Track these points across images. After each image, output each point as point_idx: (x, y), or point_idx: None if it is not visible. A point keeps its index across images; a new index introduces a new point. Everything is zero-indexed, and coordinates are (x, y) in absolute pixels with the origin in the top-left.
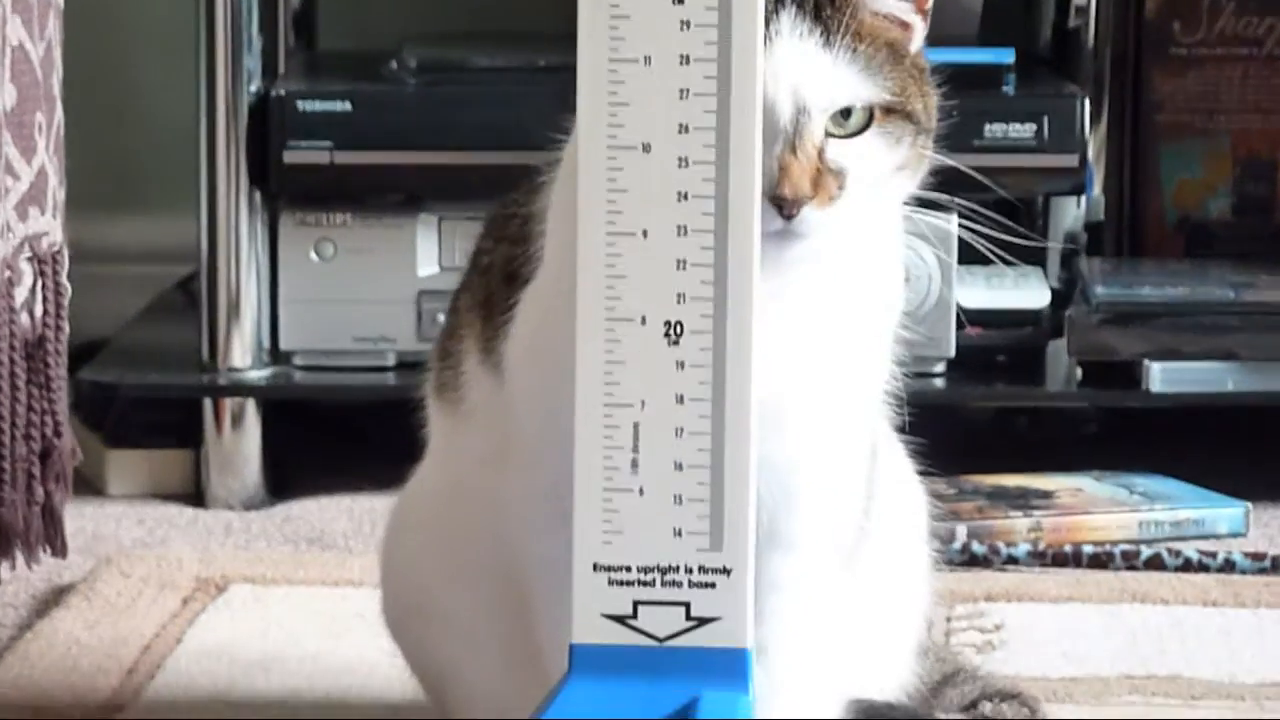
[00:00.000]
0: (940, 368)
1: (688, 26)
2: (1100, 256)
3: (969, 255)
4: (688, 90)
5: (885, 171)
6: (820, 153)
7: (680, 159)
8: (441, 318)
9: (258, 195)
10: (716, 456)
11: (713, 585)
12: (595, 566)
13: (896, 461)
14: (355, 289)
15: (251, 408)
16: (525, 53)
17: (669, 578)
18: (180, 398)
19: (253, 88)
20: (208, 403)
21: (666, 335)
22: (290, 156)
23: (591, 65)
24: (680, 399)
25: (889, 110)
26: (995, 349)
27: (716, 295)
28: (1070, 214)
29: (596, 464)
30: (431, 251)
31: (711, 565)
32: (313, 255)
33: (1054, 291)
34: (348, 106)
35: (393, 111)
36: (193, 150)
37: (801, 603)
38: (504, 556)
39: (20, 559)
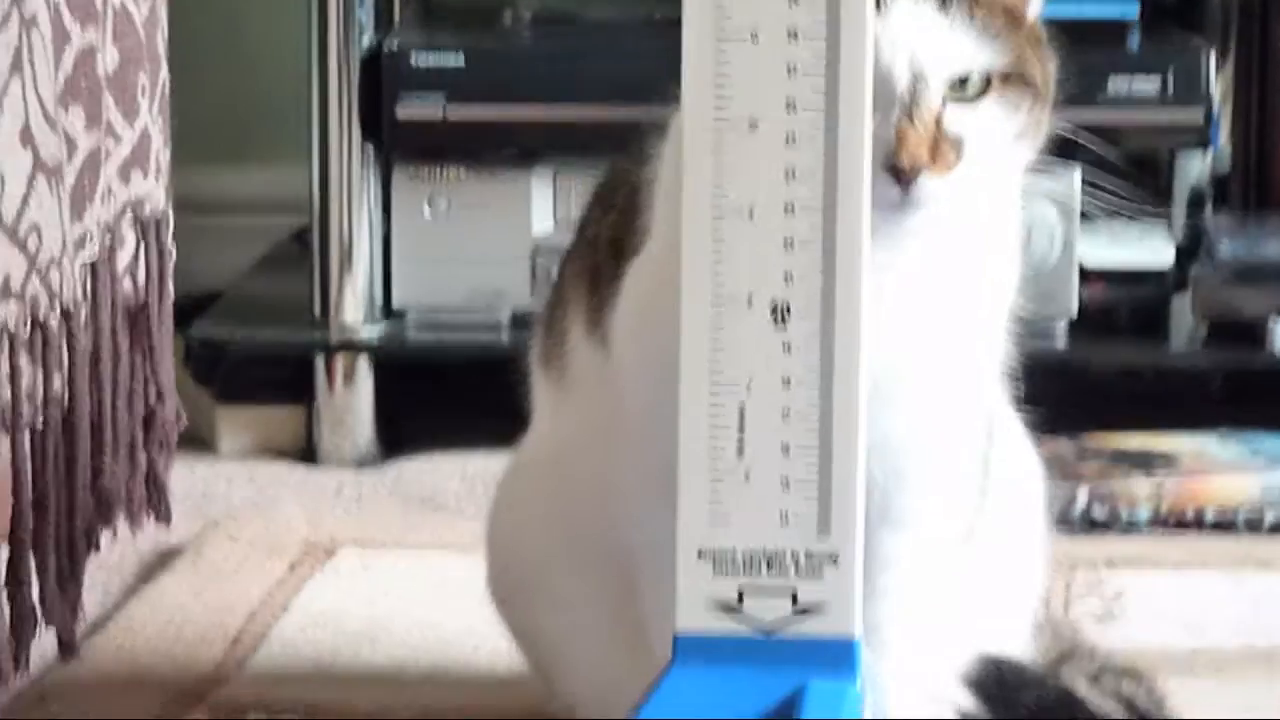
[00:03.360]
0: (1063, 326)
1: (796, 3)
2: (1226, 212)
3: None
4: (795, 67)
5: (1003, 140)
6: (938, 121)
7: (788, 136)
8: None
9: (370, 149)
10: (824, 440)
11: (820, 573)
12: (700, 553)
13: (1013, 436)
14: (469, 245)
15: (364, 364)
16: (640, 5)
17: (776, 564)
18: (292, 354)
19: (365, 40)
20: (319, 359)
21: (773, 316)
22: (403, 110)
23: (697, 41)
24: (787, 381)
25: (1006, 77)
26: (1118, 307)
27: (825, 275)
28: (1195, 168)
29: (701, 447)
30: (546, 207)
31: (819, 551)
32: (426, 211)
33: (1178, 248)
34: (461, 60)
35: (507, 65)
36: (305, 102)
37: (914, 581)
38: (609, 533)
39: (124, 526)
